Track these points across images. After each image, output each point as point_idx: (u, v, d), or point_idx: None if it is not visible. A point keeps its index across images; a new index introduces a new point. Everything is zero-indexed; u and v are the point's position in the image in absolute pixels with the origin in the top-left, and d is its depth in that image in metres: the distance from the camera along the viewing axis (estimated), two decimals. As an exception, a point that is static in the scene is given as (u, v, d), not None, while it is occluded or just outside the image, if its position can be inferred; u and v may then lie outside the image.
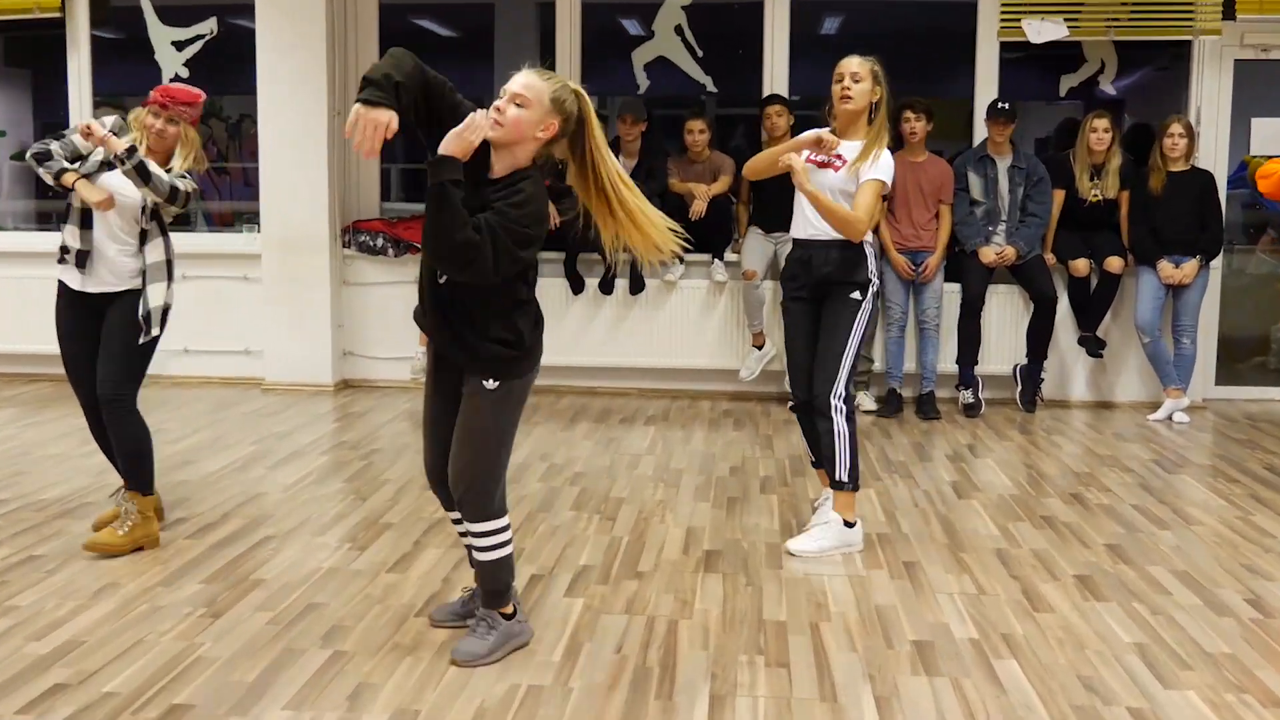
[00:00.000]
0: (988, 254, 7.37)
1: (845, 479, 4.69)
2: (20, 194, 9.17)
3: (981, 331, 7.46)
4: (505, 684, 3.40)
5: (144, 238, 4.59)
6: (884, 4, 8.78)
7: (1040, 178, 7.43)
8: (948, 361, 7.54)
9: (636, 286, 7.66)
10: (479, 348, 3.43)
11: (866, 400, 7.47)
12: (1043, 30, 7.61)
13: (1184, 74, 7.87)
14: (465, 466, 3.50)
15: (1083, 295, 7.56)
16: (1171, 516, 5.23)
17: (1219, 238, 7.37)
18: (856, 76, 4.61)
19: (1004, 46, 7.81)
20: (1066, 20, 7.62)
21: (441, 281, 3.43)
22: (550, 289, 7.57)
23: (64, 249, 4.57)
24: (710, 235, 7.53)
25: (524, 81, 3.34)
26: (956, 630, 3.87)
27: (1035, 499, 5.48)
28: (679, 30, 8.04)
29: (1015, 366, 7.59)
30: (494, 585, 3.62)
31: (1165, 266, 7.28)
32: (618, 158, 7.51)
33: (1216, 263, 7.49)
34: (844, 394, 4.66)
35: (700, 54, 8.06)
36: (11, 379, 8.07)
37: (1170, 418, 7.29)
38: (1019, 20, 7.65)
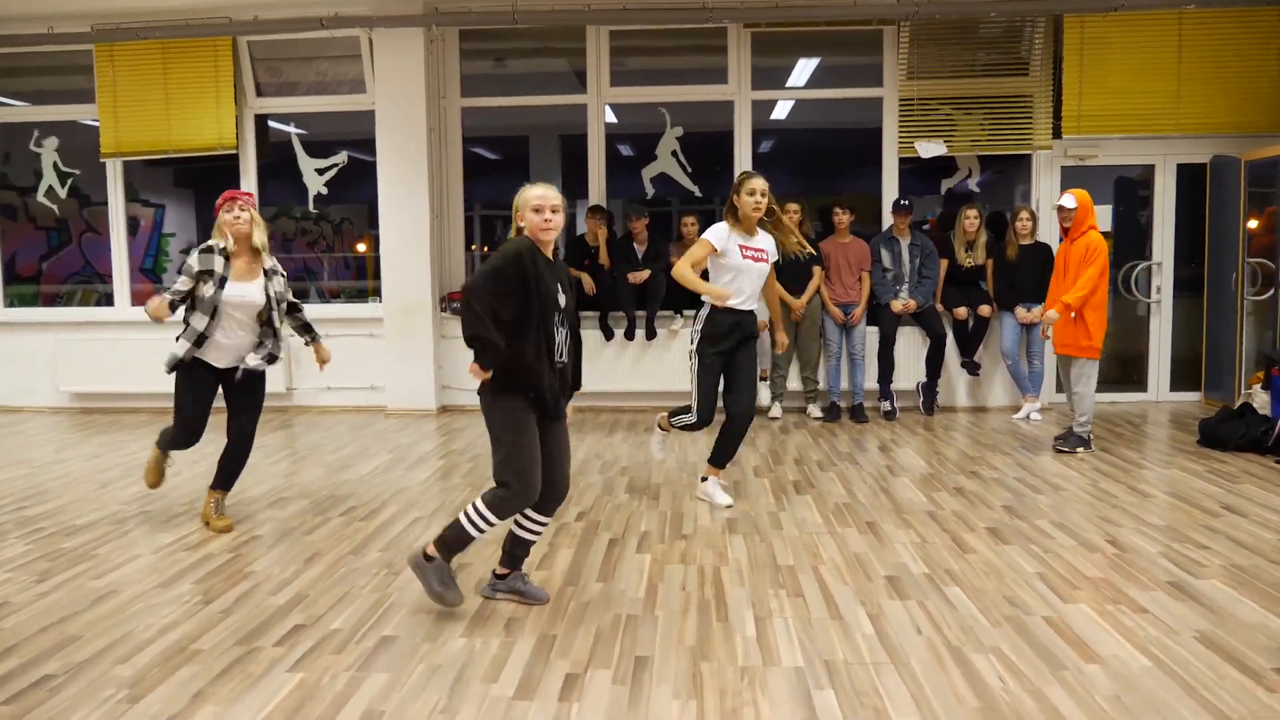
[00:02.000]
0: (897, 305, 7.49)
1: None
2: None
3: (894, 359, 7.58)
4: (611, 614, 3.45)
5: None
6: (812, 131, 8.94)
7: (930, 251, 7.56)
8: (871, 381, 7.65)
9: (650, 334, 7.73)
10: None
11: (815, 410, 7.56)
12: (929, 149, 7.76)
13: (1024, 175, 8.04)
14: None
15: (963, 332, 7.67)
16: (1044, 485, 5.33)
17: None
18: (764, 193, 4.60)
19: (901, 160, 7.96)
20: (945, 141, 7.78)
21: (563, 358, 3.41)
22: (589, 337, 7.65)
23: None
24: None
25: (557, 198, 3.33)
26: (912, 568, 3.95)
27: (946, 475, 5.57)
28: (675, 154, 8.15)
29: (918, 383, 7.69)
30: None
31: (1020, 310, 7.41)
32: (632, 244, 7.70)
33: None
34: None
35: (689, 170, 8.18)
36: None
37: (1028, 417, 7.40)
38: (912, 142, 7.81)
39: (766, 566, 3.98)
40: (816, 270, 7.48)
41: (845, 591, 3.67)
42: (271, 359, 4.46)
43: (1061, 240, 6.23)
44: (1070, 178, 7.89)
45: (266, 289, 4.42)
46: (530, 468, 3.26)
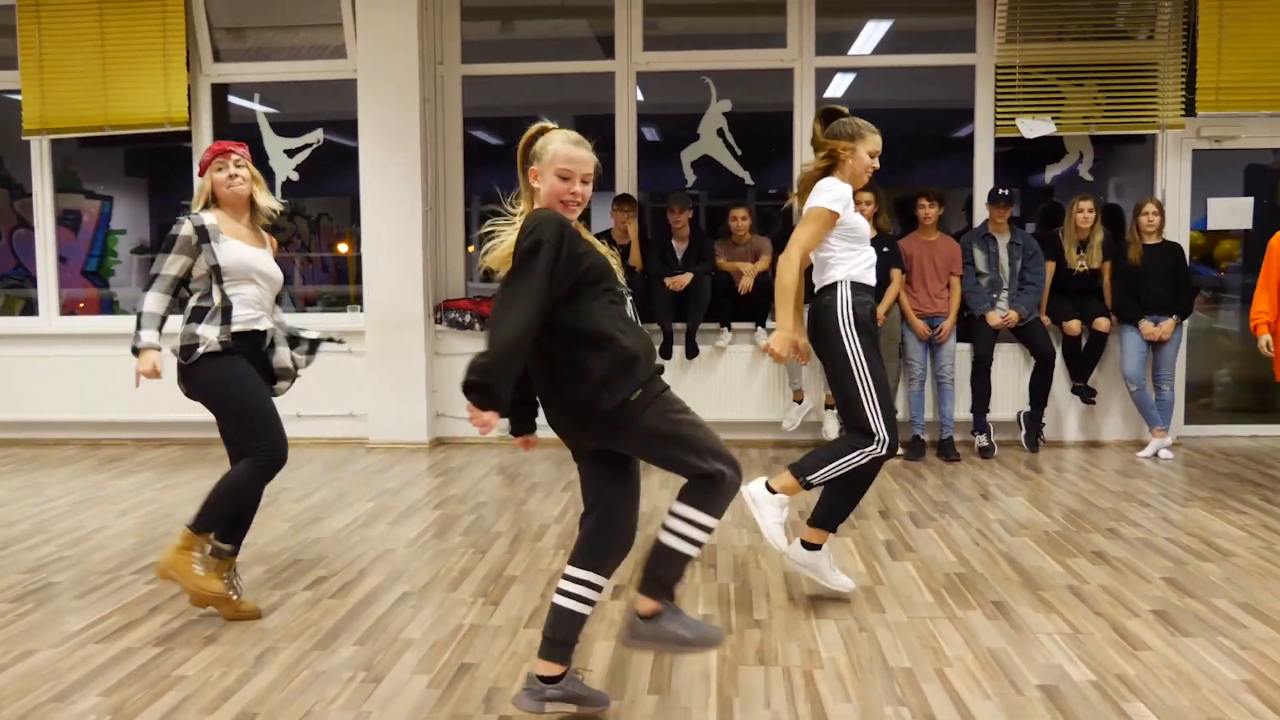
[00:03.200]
0: (994, 318, 6.82)
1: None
2: (140, 282, 8.59)
3: (990, 384, 6.89)
4: (673, 747, 2.77)
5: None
6: (894, 111, 8.29)
7: (1034, 252, 6.90)
8: (963, 410, 6.96)
9: (692, 352, 7.06)
10: None
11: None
12: (1034, 127, 7.10)
13: (1146, 159, 7.37)
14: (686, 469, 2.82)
15: (1075, 351, 7.00)
16: (1206, 548, 4.64)
17: (1190, 301, 6.85)
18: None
19: (998, 142, 7.30)
20: (1053, 118, 7.12)
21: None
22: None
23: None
24: (754, 307, 6.98)
25: (591, 159, 2.80)
26: (1072, 673, 3.26)
27: (1077, 534, 4.88)
28: (720, 133, 7.51)
29: (1019, 413, 6.99)
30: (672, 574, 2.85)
31: (1146, 325, 6.74)
32: (670, 243, 7.05)
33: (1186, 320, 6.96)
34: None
35: (739, 153, 7.53)
36: (144, 444, 7.43)
37: (1156, 454, 6.71)
38: (1013, 119, 7.14)
39: (875, 669, 3.29)
40: (895, 274, 6.82)
41: (988, 710, 2.98)
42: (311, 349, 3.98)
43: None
44: (1204, 163, 7.21)
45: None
46: (721, 444, 2.76)
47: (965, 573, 4.31)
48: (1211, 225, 7.37)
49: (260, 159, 7.69)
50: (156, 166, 9.13)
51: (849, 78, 7.86)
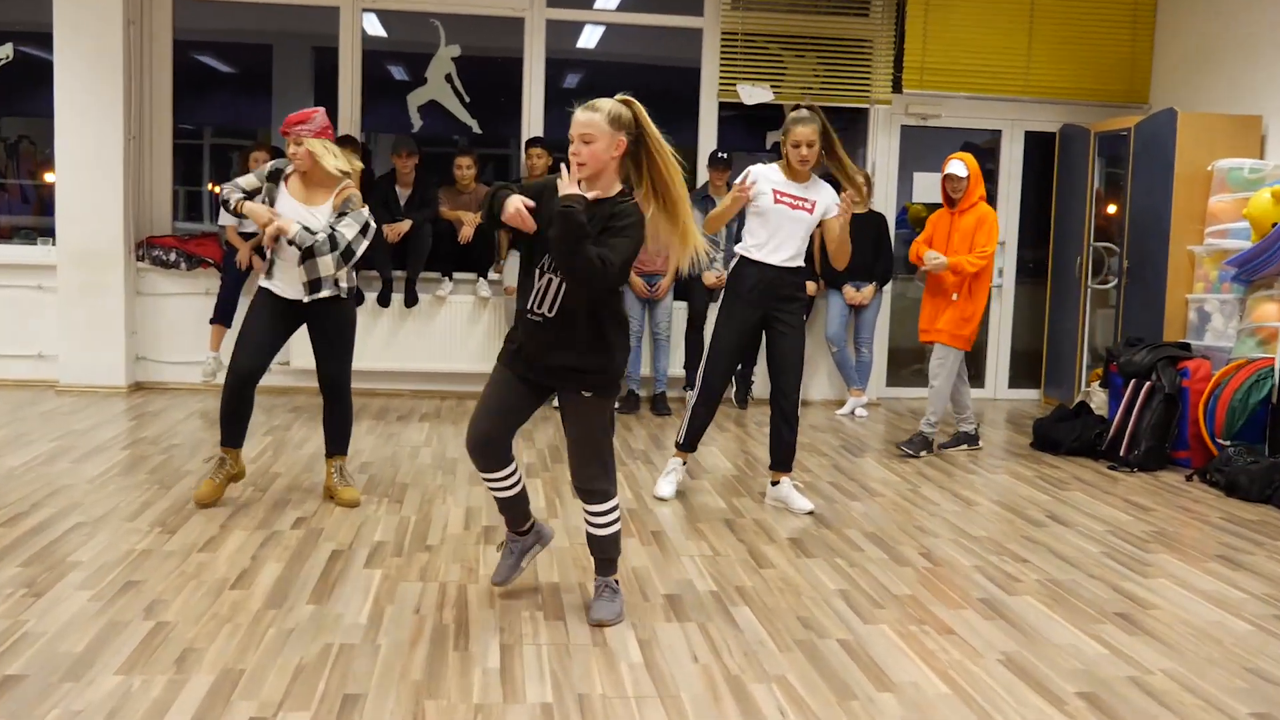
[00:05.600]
0: (709, 278, 7.66)
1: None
2: None
3: (704, 341, 7.73)
4: (319, 644, 3.34)
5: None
6: (619, 65, 9.00)
7: (751, 215, 7.77)
8: (676, 366, 7.80)
9: (411, 300, 7.57)
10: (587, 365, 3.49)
11: (609, 399, 7.64)
12: (753, 94, 7.97)
13: (860, 133, 8.41)
14: (587, 465, 3.57)
15: (784, 312, 7.95)
16: (859, 490, 5.61)
17: (889, 267, 7.91)
18: (811, 142, 4.91)
19: (721, 105, 8.15)
20: (772, 87, 8.01)
21: (552, 313, 3.43)
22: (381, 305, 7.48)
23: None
24: (476, 257, 7.56)
25: (583, 120, 3.34)
26: (699, 585, 4.05)
27: (752, 478, 5.76)
28: (449, 78, 8.01)
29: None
30: (612, 553, 3.70)
31: (849, 290, 7.75)
32: (394, 188, 7.52)
33: (887, 287, 8.04)
34: None
35: (467, 100, 8.05)
36: None
37: (854, 412, 7.77)
38: (734, 85, 8.00)
39: (524, 585, 3.97)
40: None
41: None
42: (331, 284, 4.72)
43: (940, 208, 6.49)
44: (912, 139, 8.31)
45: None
46: (477, 415, 3.58)
47: (636, 509, 5.07)
48: (916, 197, 8.50)
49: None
50: None
51: (599, 30, 8.51)
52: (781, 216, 5.00)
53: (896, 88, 8.16)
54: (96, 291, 7.37)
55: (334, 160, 4.67)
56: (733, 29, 7.97)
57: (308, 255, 4.60)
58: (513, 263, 7.60)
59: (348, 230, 4.64)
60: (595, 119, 3.35)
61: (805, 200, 5.03)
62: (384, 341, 7.62)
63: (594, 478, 3.60)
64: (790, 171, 5.04)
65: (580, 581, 4.02)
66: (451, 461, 5.85)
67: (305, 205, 4.69)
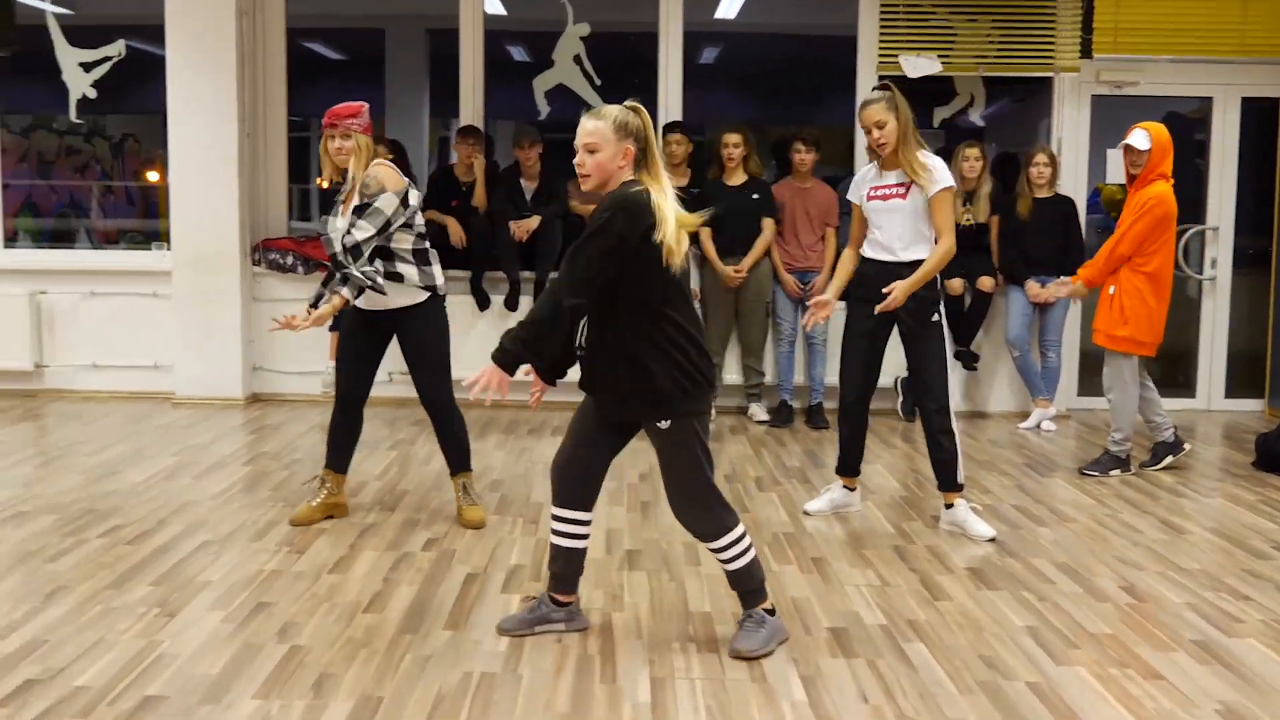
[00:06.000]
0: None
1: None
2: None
3: (866, 346, 7.79)
4: (459, 672, 3.54)
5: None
6: (767, 36, 9.10)
7: (919, 203, 7.77)
8: (834, 374, 7.82)
9: (542, 303, 7.78)
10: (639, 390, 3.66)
11: (759, 411, 7.75)
12: (918, 65, 7.98)
13: (1043, 106, 8.32)
14: (683, 508, 3.74)
15: (957, 312, 7.91)
16: (1048, 514, 5.58)
17: (1081, 259, 7.79)
18: (881, 124, 5.02)
19: (881, 79, 8.14)
20: (940, 57, 8.01)
21: (584, 347, 3.71)
22: (457, 306, 7.63)
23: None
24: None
25: (587, 128, 3.54)
26: (866, 618, 4.12)
27: (923, 500, 5.79)
28: (578, 59, 8.24)
29: (897, 379, 7.93)
30: (749, 585, 3.80)
31: (1033, 286, 7.68)
32: (519, 182, 7.77)
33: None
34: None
35: (599, 82, 8.27)
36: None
37: (1039, 426, 7.70)
38: (896, 56, 8.02)
39: (674, 613, 4.10)
40: (767, 223, 7.64)
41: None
42: (359, 290, 4.91)
43: (1126, 189, 6.43)
44: (1105, 110, 8.19)
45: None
46: (563, 440, 3.90)
47: (793, 532, 5.17)
48: (1110, 178, 8.37)
49: (52, 72, 8.17)
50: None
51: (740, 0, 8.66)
52: (878, 213, 5.19)
53: (1086, 52, 8.06)
54: (212, 298, 7.82)
55: (358, 167, 4.87)
56: (895, -6, 8.01)
57: (359, 292, 4.87)
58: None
59: (359, 233, 4.76)
60: (600, 127, 3.52)
61: (896, 187, 5.13)
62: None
63: (697, 519, 3.74)
64: (880, 161, 5.19)
65: (734, 611, 4.13)
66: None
67: (343, 218, 4.91)
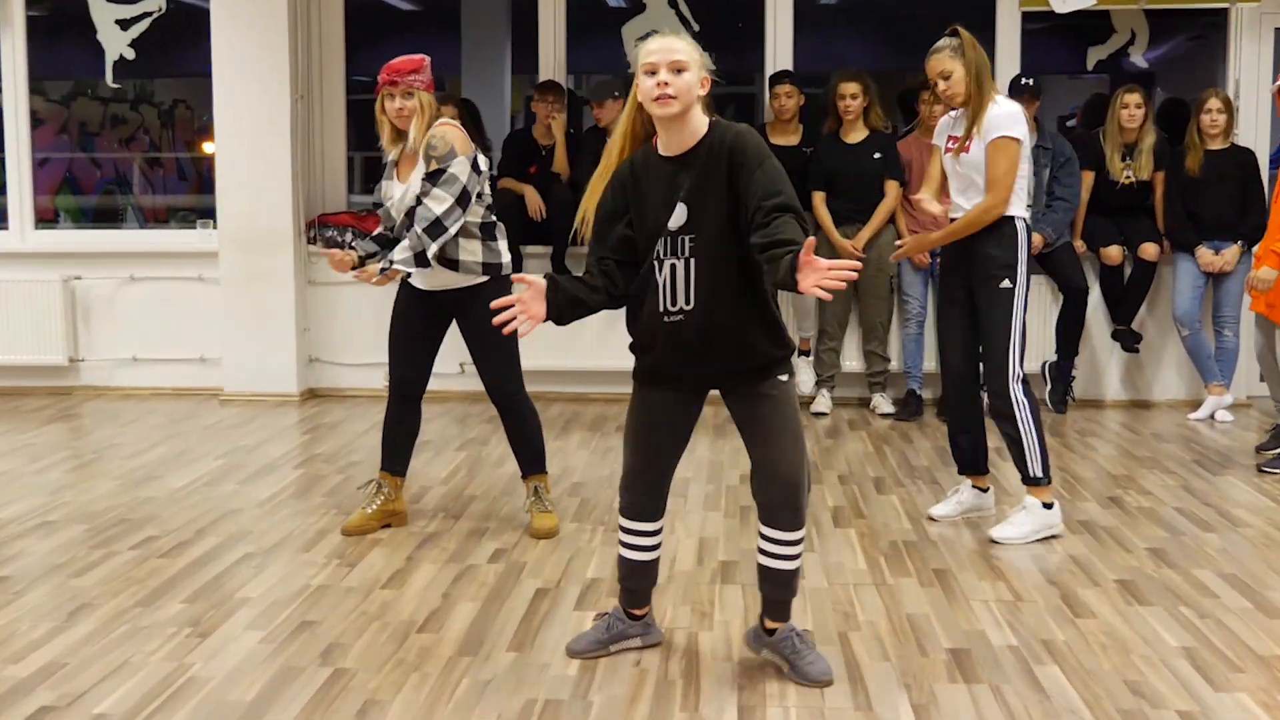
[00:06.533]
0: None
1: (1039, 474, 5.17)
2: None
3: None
4: (521, 699, 3.58)
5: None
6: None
7: (1068, 158, 7.62)
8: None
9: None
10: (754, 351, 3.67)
11: (883, 403, 7.69)
12: (1069, 0, 7.83)
13: (1220, 45, 8.11)
14: (794, 474, 3.68)
15: (1116, 285, 7.78)
16: (1216, 519, 5.45)
17: (1262, 222, 7.53)
18: (946, 74, 5.09)
19: (1026, 16, 8.03)
20: (1094, -13, 7.86)
21: (690, 305, 3.63)
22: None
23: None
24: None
25: (675, 46, 3.52)
26: (994, 638, 4.07)
27: (1070, 503, 5.68)
28: (673, 3, 8.25)
29: (1044, 364, 7.81)
30: (791, 594, 3.82)
31: (1205, 253, 7.50)
32: (602, 146, 7.78)
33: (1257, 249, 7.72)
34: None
35: (696, 28, 8.26)
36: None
37: (1213, 416, 7.52)
38: (1042, -12, 7.89)
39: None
40: (891, 186, 7.58)
41: (884, 670, 3.79)
42: (418, 260, 4.88)
43: None
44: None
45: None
46: (625, 450, 3.84)
47: (915, 540, 5.12)
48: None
49: (86, 31, 8.41)
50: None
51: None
52: (950, 169, 5.30)
53: (1268, -21, 7.84)
54: (262, 282, 7.98)
55: (419, 129, 4.92)
56: (1039, -85, 7.87)
57: (423, 261, 4.86)
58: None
59: (436, 205, 4.81)
60: (686, 46, 3.52)
61: (954, 139, 5.22)
62: (599, 336, 7.87)
63: (801, 490, 3.68)
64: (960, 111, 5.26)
65: (841, 631, 4.11)
66: (683, 482, 6.03)
67: (404, 182, 5.01)
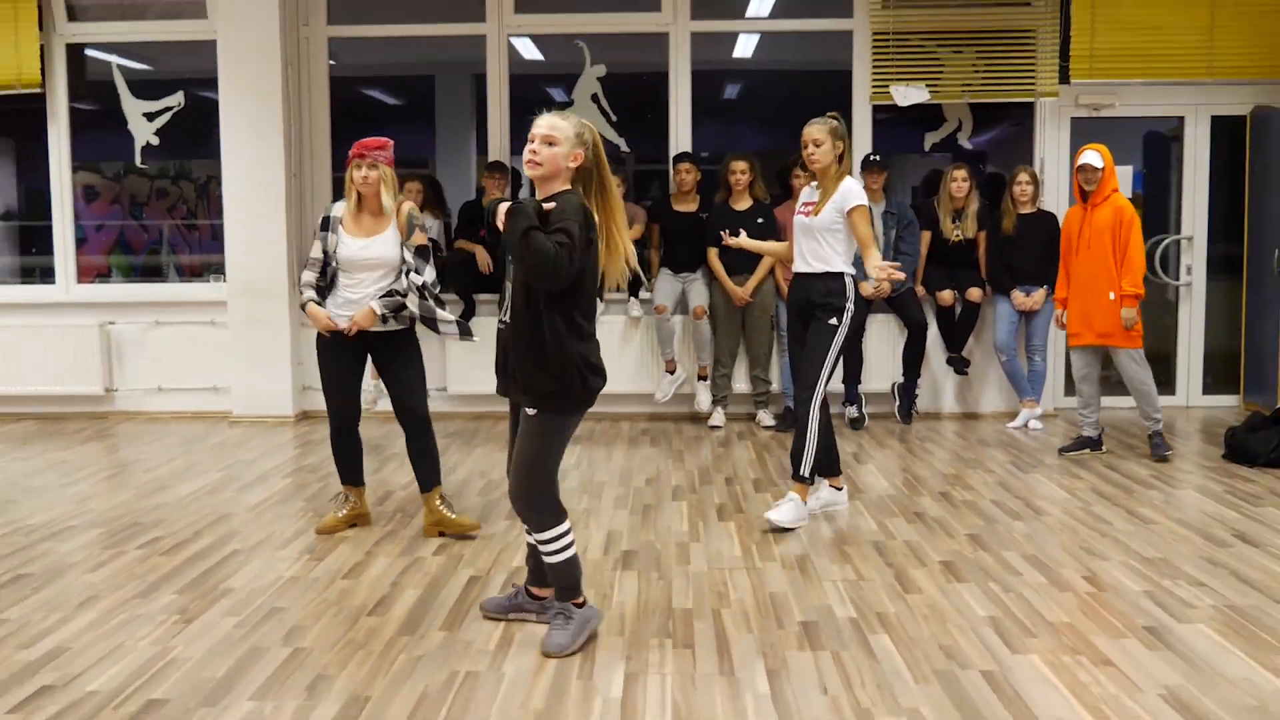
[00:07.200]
0: (865, 288, 7.45)
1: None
2: (5, 250, 9.06)
3: (863, 354, 7.64)
4: (446, 671, 3.46)
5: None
6: (770, 73, 8.98)
7: (910, 221, 7.63)
8: (835, 380, 7.68)
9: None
10: (530, 377, 3.51)
11: (766, 417, 7.61)
12: (908, 95, 7.82)
13: (1027, 130, 8.13)
14: (519, 490, 3.61)
15: (949, 321, 7.77)
16: (1024, 509, 5.41)
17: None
18: (818, 142, 5.03)
19: (876, 108, 8.02)
20: (928, 86, 7.84)
21: (508, 318, 3.59)
22: (486, 325, 7.62)
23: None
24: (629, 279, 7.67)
25: (550, 123, 3.45)
26: (838, 611, 3.99)
27: (909, 498, 5.63)
28: (595, 98, 8.16)
29: (893, 384, 7.77)
30: (567, 581, 3.69)
31: (1018, 295, 7.50)
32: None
33: (1061, 291, 7.74)
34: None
35: (614, 118, 8.19)
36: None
37: (1026, 425, 7.50)
38: (887, 86, 7.87)
39: (657, 611, 4.00)
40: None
41: (746, 641, 3.70)
42: (398, 309, 4.82)
43: (1072, 204, 6.35)
44: (1084, 132, 7.98)
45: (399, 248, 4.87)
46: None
47: (782, 531, 5.03)
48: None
49: (119, 122, 8.22)
50: (22, 128, 9.54)
51: (754, 39, 8.53)
52: (803, 227, 5.20)
53: (1064, 78, 7.85)
54: (263, 324, 7.82)
55: (390, 197, 4.85)
56: (884, 29, 7.83)
57: (399, 309, 4.78)
58: (662, 281, 7.66)
59: (428, 275, 4.78)
60: (563, 125, 3.45)
61: (809, 205, 5.17)
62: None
63: (530, 505, 3.61)
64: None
65: (715, 608, 4.02)
66: (598, 485, 5.93)
67: (366, 238, 4.83)
